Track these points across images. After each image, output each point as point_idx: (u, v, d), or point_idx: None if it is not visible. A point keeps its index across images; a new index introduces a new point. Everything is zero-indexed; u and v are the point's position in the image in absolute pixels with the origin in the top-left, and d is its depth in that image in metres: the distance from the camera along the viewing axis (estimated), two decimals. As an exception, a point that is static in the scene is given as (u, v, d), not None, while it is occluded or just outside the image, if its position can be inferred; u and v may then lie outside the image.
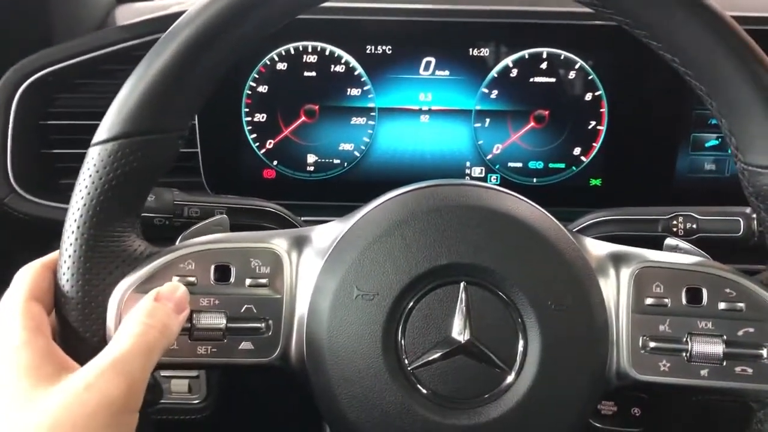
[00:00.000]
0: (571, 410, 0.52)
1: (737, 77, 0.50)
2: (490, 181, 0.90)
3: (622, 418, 0.85)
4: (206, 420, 0.89)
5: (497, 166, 0.90)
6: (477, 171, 0.90)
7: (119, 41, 0.84)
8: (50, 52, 0.84)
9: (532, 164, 0.90)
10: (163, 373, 0.87)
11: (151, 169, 0.52)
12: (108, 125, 0.51)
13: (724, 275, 0.54)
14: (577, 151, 0.89)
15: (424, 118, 0.88)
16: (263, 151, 0.89)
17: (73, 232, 0.51)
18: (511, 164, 0.90)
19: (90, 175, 0.51)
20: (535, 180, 0.90)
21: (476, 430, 0.51)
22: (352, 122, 0.88)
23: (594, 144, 0.89)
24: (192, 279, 0.52)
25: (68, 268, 0.51)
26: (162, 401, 0.88)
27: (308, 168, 0.90)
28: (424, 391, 0.51)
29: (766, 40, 0.52)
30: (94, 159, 0.51)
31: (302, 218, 0.80)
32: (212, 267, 0.53)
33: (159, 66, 0.51)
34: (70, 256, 0.51)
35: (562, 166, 0.90)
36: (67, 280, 0.51)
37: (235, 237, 0.55)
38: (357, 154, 0.89)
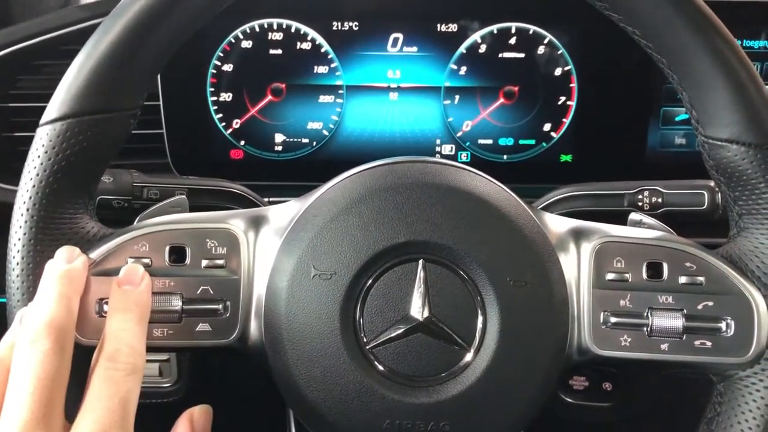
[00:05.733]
0: (531, 387, 0.52)
1: (697, 50, 0.50)
2: (460, 158, 0.89)
3: (593, 392, 0.86)
4: (177, 403, 0.88)
5: (467, 144, 0.89)
6: (447, 148, 0.89)
7: (81, 20, 0.83)
8: (9, 32, 0.82)
9: (502, 141, 0.89)
10: (134, 357, 0.86)
11: (103, 148, 0.52)
12: (57, 104, 0.50)
13: (685, 249, 0.53)
14: (547, 127, 0.88)
15: (393, 95, 0.87)
16: (230, 131, 0.88)
17: (22, 214, 0.50)
18: (481, 141, 0.89)
19: (39, 156, 0.50)
20: (505, 157, 0.90)
21: (435, 407, 0.50)
22: (319, 100, 0.87)
23: (564, 120, 0.88)
24: (146, 260, 0.52)
25: (18, 251, 0.50)
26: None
27: (276, 148, 0.89)
28: (383, 369, 0.51)
29: (726, 13, 0.52)
30: (42, 139, 0.50)
31: (270, 199, 0.80)
32: (167, 248, 0.52)
33: (108, 43, 0.50)
34: (19, 239, 0.50)
35: (533, 142, 0.89)
36: (17, 263, 0.50)
37: (191, 218, 0.54)
38: (325, 132, 0.88)
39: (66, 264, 0.48)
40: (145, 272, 0.51)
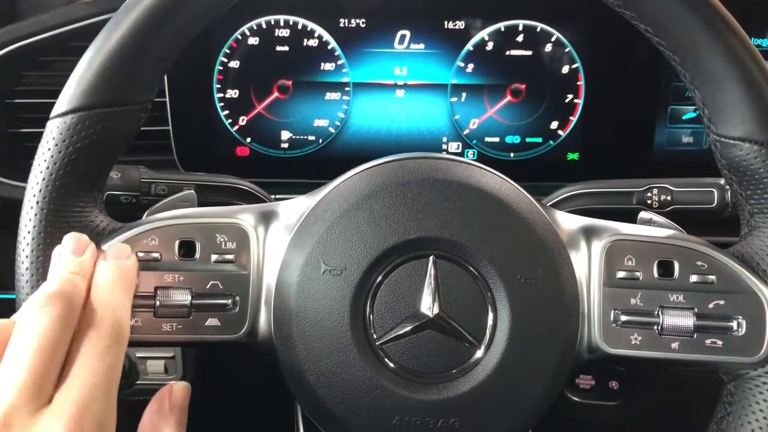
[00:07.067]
0: (541, 385, 0.51)
1: (710, 48, 0.50)
2: (467, 156, 0.89)
3: (600, 391, 0.86)
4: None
5: (474, 141, 0.89)
6: (454, 146, 0.89)
7: (87, 17, 0.82)
8: (15, 28, 0.82)
9: (509, 139, 0.89)
10: (139, 354, 0.86)
11: (113, 142, 0.51)
12: (67, 97, 0.50)
13: (696, 248, 0.53)
14: (554, 125, 0.88)
15: (399, 92, 0.87)
16: (236, 128, 0.88)
17: (32, 207, 0.50)
18: (488, 139, 0.89)
19: (49, 149, 0.50)
20: (512, 155, 0.90)
21: (445, 404, 0.50)
22: (326, 98, 0.87)
23: (571, 118, 0.88)
24: (156, 255, 0.51)
25: (27, 245, 0.50)
26: (138, 382, 0.87)
27: (282, 145, 0.89)
28: (393, 366, 0.51)
29: (735, 10, 0.51)
30: (53, 132, 0.50)
31: (276, 196, 0.79)
32: (177, 243, 0.52)
33: (119, 37, 0.50)
34: (29, 232, 0.50)
35: (540, 140, 0.89)
36: (27, 256, 0.50)
37: (200, 212, 0.54)
38: (332, 130, 0.88)
39: (74, 252, 0.48)
40: (133, 252, 0.50)
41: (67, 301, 0.44)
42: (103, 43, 0.50)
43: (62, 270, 0.46)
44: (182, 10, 0.50)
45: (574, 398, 0.85)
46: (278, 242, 0.53)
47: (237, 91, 0.86)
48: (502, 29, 0.85)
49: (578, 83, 0.87)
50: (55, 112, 0.50)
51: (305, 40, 0.85)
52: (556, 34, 0.85)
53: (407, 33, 0.85)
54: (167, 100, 0.84)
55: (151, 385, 0.88)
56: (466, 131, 0.88)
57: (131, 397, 0.87)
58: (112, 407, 0.44)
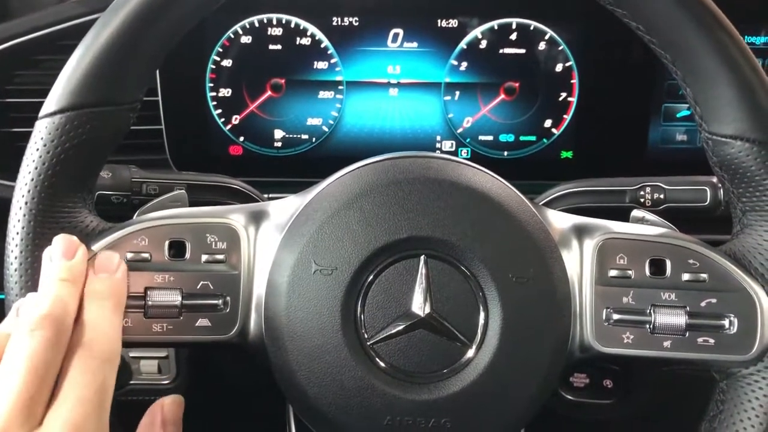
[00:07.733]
0: (533, 384, 0.51)
1: (701, 45, 0.49)
2: (461, 155, 0.89)
3: (594, 389, 0.86)
4: (176, 400, 0.88)
5: (468, 140, 0.89)
6: (447, 145, 0.89)
7: (78, 15, 0.82)
8: (6, 27, 0.82)
9: (503, 137, 0.89)
10: (132, 354, 0.86)
11: (102, 142, 0.51)
12: (56, 97, 0.50)
13: (688, 246, 0.53)
14: (548, 123, 0.88)
15: (393, 91, 0.87)
16: (229, 127, 0.87)
17: (20, 207, 0.50)
18: (481, 137, 0.89)
19: (37, 149, 0.50)
20: (506, 153, 0.89)
21: (436, 404, 0.50)
22: (319, 96, 0.87)
23: (565, 116, 0.88)
24: (146, 255, 0.51)
25: (16, 245, 0.49)
26: (131, 382, 0.87)
27: (275, 144, 0.88)
28: (384, 366, 0.50)
29: (728, 8, 0.51)
30: (41, 132, 0.50)
31: (269, 195, 0.79)
32: (167, 243, 0.52)
33: (107, 36, 0.49)
34: (18, 233, 0.49)
35: (533, 138, 0.89)
36: (15, 257, 0.49)
37: (191, 212, 0.54)
38: (325, 129, 0.88)
39: (65, 255, 0.47)
40: (121, 260, 0.50)
41: (58, 322, 0.44)
42: (92, 43, 0.50)
43: (53, 279, 0.46)
44: (171, 8, 0.50)
45: (568, 397, 0.85)
46: (269, 242, 0.53)
47: (230, 90, 0.86)
48: (496, 27, 0.85)
49: (572, 81, 0.87)
50: (43, 111, 0.50)
51: (298, 39, 0.85)
52: (550, 33, 0.85)
53: (400, 31, 0.85)
54: (160, 98, 0.84)
55: (145, 385, 0.88)
56: (460, 130, 0.88)
57: (124, 397, 0.87)
58: (104, 425, 0.44)
